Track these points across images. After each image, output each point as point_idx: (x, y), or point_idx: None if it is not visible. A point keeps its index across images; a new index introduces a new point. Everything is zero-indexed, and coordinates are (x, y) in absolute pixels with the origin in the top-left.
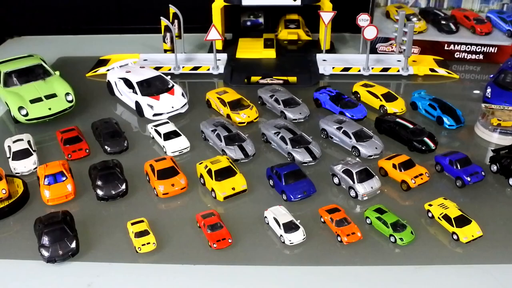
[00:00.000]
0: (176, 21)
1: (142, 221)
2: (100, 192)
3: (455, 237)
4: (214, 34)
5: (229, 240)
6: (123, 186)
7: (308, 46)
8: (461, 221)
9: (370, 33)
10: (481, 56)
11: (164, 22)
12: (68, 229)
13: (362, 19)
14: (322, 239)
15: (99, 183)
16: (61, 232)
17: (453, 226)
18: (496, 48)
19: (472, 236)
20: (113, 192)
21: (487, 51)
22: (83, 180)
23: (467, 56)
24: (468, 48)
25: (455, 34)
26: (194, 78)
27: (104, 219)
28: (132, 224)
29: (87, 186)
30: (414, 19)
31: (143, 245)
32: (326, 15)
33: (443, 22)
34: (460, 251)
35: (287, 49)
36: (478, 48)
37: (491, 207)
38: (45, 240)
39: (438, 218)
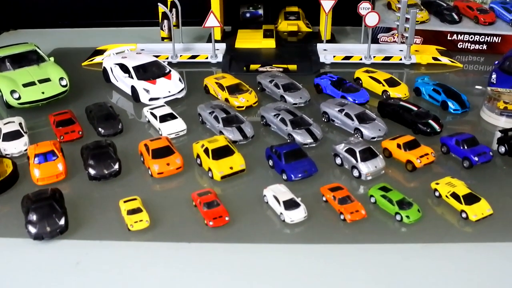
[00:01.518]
0: (174, 10)
1: (135, 199)
2: (92, 171)
3: (463, 215)
4: (213, 21)
5: (226, 218)
6: (116, 166)
7: (309, 37)
8: (470, 199)
9: (371, 19)
10: (484, 46)
11: (161, 8)
12: (56, 205)
13: (363, 8)
14: (324, 218)
15: (91, 162)
16: (49, 208)
17: (461, 204)
18: (499, 38)
19: (482, 214)
20: (106, 172)
21: (491, 41)
22: (75, 163)
23: (470, 46)
24: (471, 38)
25: (458, 24)
26: (192, 67)
27: (96, 199)
28: (125, 202)
29: (79, 168)
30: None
31: (135, 222)
32: (327, 3)
33: (446, 12)
34: (469, 230)
35: (287, 40)
36: (482, 38)
37: (500, 187)
38: (32, 216)
39: (446, 196)
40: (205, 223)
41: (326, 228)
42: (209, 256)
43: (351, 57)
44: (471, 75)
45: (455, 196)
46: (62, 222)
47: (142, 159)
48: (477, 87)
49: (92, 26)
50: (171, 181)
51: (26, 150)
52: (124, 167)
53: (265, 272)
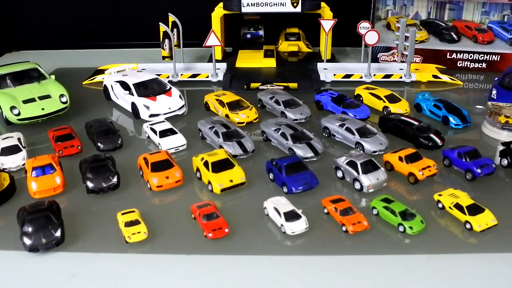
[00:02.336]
0: (175, 29)
1: (133, 211)
2: (90, 184)
3: (468, 226)
4: (214, 40)
5: (226, 230)
6: (115, 179)
7: (309, 57)
8: (474, 210)
9: (371, 38)
10: (484, 65)
11: (162, 28)
12: (53, 217)
13: (363, 27)
14: (325, 230)
15: (89, 175)
16: (45, 219)
17: (465, 215)
18: (499, 56)
19: (487, 224)
20: (104, 185)
21: (490, 59)
22: (73, 177)
23: (470, 64)
24: (470, 56)
25: (457, 43)
26: (192, 85)
27: (94, 213)
28: (123, 214)
29: (78, 182)
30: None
31: (133, 234)
32: (327, 23)
33: (445, 31)
34: (474, 241)
35: (287, 60)
36: (481, 57)
37: (504, 199)
38: (28, 228)
39: (449, 207)
40: (204, 235)
41: (328, 239)
42: (209, 268)
43: (352, 75)
44: (471, 93)
45: (458, 207)
46: (58, 233)
47: (141, 172)
48: (477, 106)
49: (94, 47)
50: (171, 195)
51: (24, 164)
52: (123, 181)
53: (265, 284)
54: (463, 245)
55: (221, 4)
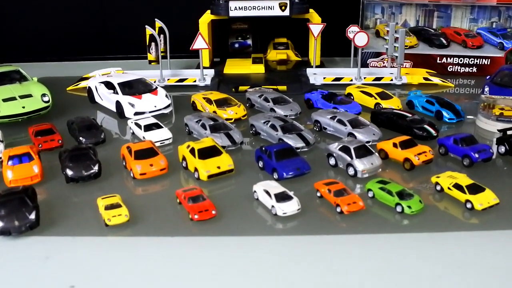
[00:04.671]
0: (162, 36)
1: (114, 196)
2: (69, 172)
3: (468, 205)
4: (201, 42)
5: (213, 212)
6: (96, 168)
7: (298, 65)
8: (474, 189)
9: (361, 39)
10: (474, 69)
11: (149, 31)
12: (27, 199)
13: (352, 31)
14: (319, 213)
15: (69, 163)
16: (19, 202)
17: (466, 194)
18: (489, 60)
19: (488, 203)
20: (84, 173)
21: (480, 63)
22: (53, 171)
23: (460, 69)
24: (460, 60)
25: (447, 48)
26: (179, 90)
27: (73, 203)
28: (103, 198)
29: (58, 175)
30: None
31: (113, 216)
32: (315, 27)
33: (434, 37)
34: (475, 221)
35: (276, 69)
36: (471, 61)
37: (502, 183)
38: (0, 210)
39: (448, 188)
40: (190, 217)
41: (322, 221)
42: (194, 249)
43: (342, 78)
44: (463, 99)
45: (458, 187)
46: (32, 216)
47: (124, 163)
48: (468, 117)
49: (80, 60)
50: (155, 183)
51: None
52: (105, 173)
53: (257, 264)
54: (464, 225)
55: (209, 11)
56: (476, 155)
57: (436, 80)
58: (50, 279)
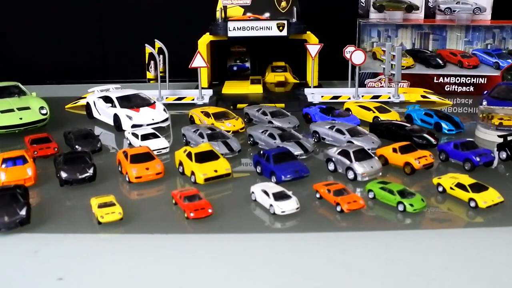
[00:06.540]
0: (161, 56)
1: (109, 196)
2: (63, 175)
3: (472, 204)
4: (199, 61)
5: (209, 210)
6: (91, 171)
7: (296, 87)
8: (477, 187)
9: (358, 57)
10: (471, 88)
11: (148, 49)
12: (19, 196)
13: (349, 51)
14: (318, 213)
15: (63, 166)
16: (10, 197)
17: (469, 192)
18: (485, 79)
19: (492, 201)
20: (79, 176)
21: (477, 82)
22: (48, 177)
23: (457, 88)
24: (457, 80)
25: (444, 68)
26: (177, 108)
27: (67, 206)
28: (96, 198)
29: (52, 179)
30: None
31: (106, 214)
32: (313, 48)
33: (430, 58)
34: (480, 220)
35: (274, 92)
36: (468, 80)
37: (505, 188)
38: None
39: (451, 188)
40: (186, 216)
41: (322, 221)
42: (189, 247)
43: (339, 96)
44: (461, 118)
45: (460, 186)
46: (23, 212)
47: (120, 168)
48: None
49: (79, 83)
50: (150, 187)
51: None
52: (100, 179)
53: (255, 262)
54: (469, 224)
55: (208, 32)
56: (478, 159)
57: (433, 97)
58: (38, 272)
